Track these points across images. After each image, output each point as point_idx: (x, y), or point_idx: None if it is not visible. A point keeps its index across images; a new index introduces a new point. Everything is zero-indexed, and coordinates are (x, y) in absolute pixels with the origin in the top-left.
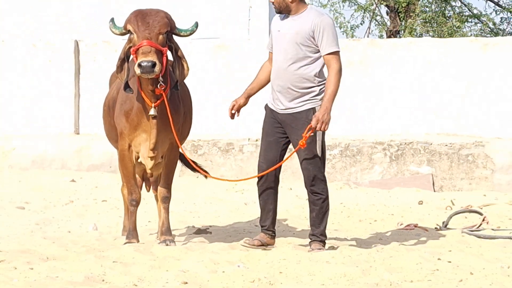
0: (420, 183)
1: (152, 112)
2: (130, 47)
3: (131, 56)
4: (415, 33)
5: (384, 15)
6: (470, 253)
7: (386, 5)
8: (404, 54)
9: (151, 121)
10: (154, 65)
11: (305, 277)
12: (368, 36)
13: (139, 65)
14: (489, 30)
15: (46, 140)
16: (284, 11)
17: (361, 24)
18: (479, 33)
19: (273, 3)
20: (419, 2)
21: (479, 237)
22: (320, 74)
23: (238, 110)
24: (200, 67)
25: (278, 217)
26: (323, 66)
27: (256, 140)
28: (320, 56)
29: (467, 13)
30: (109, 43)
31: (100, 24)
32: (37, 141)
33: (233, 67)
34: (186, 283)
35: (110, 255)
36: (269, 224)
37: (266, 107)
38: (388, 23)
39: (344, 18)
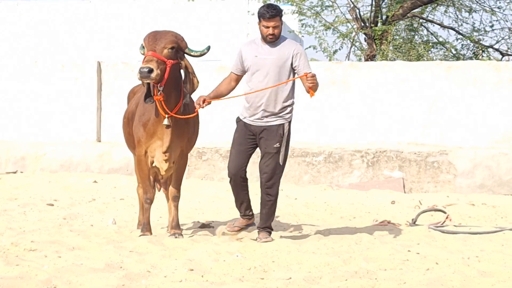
0: (393, 186)
1: (165, 122)
2: None
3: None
4: (387, 58)
5: (363, 41)
6: (436, 246)
7: (364, 33)
8: (379, 75)
9: (165, 129)
10: (151, 71)
11: (294, 266)
12: (348, 59)
13: (139, 71)
14: (452, 55)
15: (73, 147)
16: (274, 41)
17: (340, 49)
18: (443, 57)
19: (273, 34)
20: (392, 31)
21: (443, 232)
22: (292, 94)
23: (203, 103)
24: (205, 85)
25: None
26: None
27: None
28: (292, 78)
29: (433, 41)
30: (127, 64)
31: (119, 47)
32: (65, 148)
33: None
34: (192, 270)
35: (127, 246)
36: (244, 210)
37: (239, 120)
38: (366, 48)
39: (328, 43)
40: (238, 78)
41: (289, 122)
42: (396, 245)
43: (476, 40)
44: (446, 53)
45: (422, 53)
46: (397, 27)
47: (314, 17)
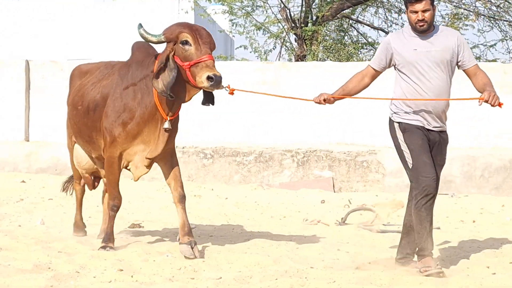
0: (323, 185)
1: (166, 125)
2: (170, 55)
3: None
4: (317, 58)
5: (293, 41)
6: (365, 244)
7: (295, 33)
8: (309, 75)
9: (162, 133)
10: (221, 80)
11: (224, 265)
12: (279, 60)
13: (210, 78)
14: None
15: (0, 146)
16: (426, 30)
17: (273, 49)
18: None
19: (422, 20)
20: (322, 32)
21: (372, 231)
22: None
23: (324, 101)
24: None
25: (202, 214)
26: None
27: (183, 148)
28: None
29: (362, 41)
30: (56, 63)
31: (47, 45)
32: None
33: None
34: (122, 270)
35: (55, 246)
36: (432, 245)
37: (412, 126)
38: (296, 49)
39: (258, 43)
40: (375, 75)
41: None
42: (326, 244)
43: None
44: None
45: (352, 53)
46: (327, 27)
47: (245, 17)
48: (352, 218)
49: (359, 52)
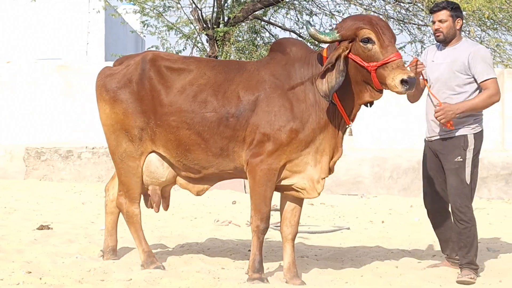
0: (234, 186)
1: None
2: (342, 55)
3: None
4: (229, 59)
5: (205, 42)
6: (275, 245)
7: (206, 34)
8: None
9: (340, 139)
10: (415, 81)
11: (135, 266)
12: None
13: (405, 81)
14: None
15: None
16: (447, 40)
17: (184, 49)
18: None
19: (437, 30)
20: (234, 33)
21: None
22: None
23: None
24: (45, 83)
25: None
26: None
27: (93, 148)
28: (475, 86)
29: None
30: None
31: None
32: None
33: (72, 84)
34: (30, 272)
35: None
36: (450, 253)
37: (424, 140)
38: (208, 49)
39: (170, 44)
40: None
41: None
42: (236, 244)
43: (316, 43)
44: None
45: (264, 54)
46: (239, 28)
47: (157, 17)
48: None
49: None
